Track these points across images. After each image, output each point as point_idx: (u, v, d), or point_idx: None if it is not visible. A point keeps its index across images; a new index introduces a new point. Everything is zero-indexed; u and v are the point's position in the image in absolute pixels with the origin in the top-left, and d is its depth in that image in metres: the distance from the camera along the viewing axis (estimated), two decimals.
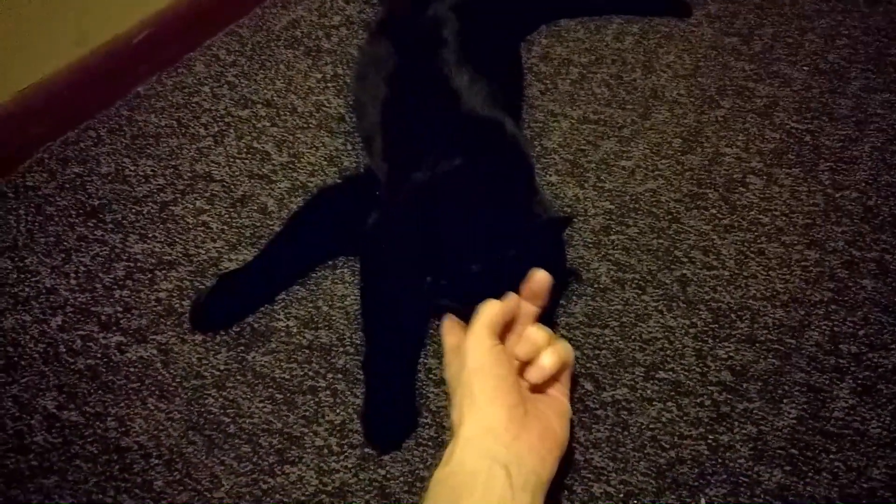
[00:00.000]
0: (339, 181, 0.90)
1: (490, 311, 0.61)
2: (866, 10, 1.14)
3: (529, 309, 0.65)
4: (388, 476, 0.65)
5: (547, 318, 0.68)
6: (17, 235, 0.85)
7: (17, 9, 0.87)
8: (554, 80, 1.04)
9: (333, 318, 0.77)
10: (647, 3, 1.16)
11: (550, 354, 0.60)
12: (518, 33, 1.07)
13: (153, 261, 0.83)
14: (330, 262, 0.82)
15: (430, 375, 0.73)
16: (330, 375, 0.72)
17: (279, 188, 0.90)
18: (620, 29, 1.12)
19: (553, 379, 0.61)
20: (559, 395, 0.62)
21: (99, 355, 0.74)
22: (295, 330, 0.76)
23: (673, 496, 0.64)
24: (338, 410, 0.70)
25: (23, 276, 0.81)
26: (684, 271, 0.80)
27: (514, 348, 0.61)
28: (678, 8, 1.14)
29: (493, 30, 0.96)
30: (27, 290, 0.80)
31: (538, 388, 0.60)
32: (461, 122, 0.81)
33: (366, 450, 0.67)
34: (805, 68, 1.05)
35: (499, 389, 0.56)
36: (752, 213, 0.86)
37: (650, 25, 1.13)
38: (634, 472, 0.65)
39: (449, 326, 0.66)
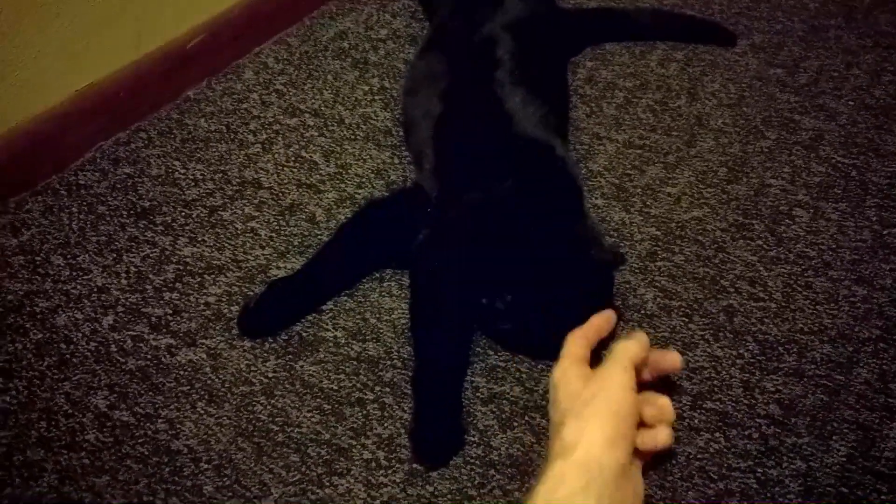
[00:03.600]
0: (387, 194, 0.91)
1: (635, 351, 0.60)
2: None
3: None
4: (436, 493, 0.66)
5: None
6: (70, 233, 0.86)
7: (78, 13, 0.89)
8: (599, 104, 1.05)
9: (381, 330, 0.78)
10: (691, 30, 1.16)
11: (669, 432, 0.59)
12: (565, 54, 1.08)
13: (202, 265, 0.84)
14: (377, 275, 0.83)
15: (478, 394, 0.73)
16: (378, 388, 0.73)
17: (327, 198, 0.91)
18: (665, 55, 1.13)
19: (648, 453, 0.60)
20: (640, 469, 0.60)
21: (149, 356, 0.75)
22: (343, 341, 0.77)
23: None
24: (386, 424, 0.70)
25: (75, 273, 0.82)
26: (731, 301, 0.81)
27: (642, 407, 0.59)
28: (723, 37, 1.15)
29: (543, 50, 0.98)
30: (79, 287, 0.81)
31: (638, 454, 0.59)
32: (514, 143, 0.82)
33: (413, 465, 0.67)
34: (850, 103, 1.05)
35: (626, 432, 0.56)
36: (799, 245, 0.86)
37: (694, 53, 1.13)
38: (682, 503, 0.65)
39: (574, 338, 0.64)
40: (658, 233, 0.88)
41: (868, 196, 0.92)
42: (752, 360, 0.75)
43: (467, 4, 1.01)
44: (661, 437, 0.58)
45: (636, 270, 0.83)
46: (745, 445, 0.68)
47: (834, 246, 0.86)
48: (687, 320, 0.79)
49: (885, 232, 0.88)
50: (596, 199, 0.91)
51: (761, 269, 0.84)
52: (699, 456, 0.68)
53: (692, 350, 0.76)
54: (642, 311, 0.79)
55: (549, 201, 0.77)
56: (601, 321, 0.65)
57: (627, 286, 0.82)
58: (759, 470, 0.67)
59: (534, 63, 0.91)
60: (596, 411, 0.55)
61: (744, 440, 0.69)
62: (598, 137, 1.00)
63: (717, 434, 0.69)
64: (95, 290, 0.81)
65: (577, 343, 0.63)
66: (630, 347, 0.61)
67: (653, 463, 0.63)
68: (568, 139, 0.95)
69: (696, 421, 0.70)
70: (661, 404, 0.59)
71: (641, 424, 0.58)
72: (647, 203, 0.91)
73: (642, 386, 0.61)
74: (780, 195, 0.92)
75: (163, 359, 0.75)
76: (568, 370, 0.60)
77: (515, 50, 0.90)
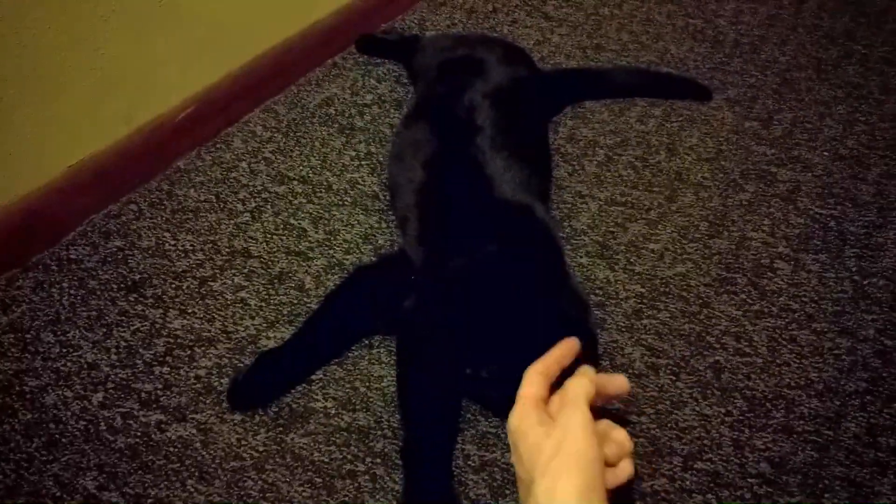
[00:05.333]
0: (374, 260, 0.92)
1: (589, 389, 0.59)
2: (881, 98, 1.18)
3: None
4: None
5: None
6: (60, 309, 0.86)
7: (72, 92, 0.91)
8: (581, 162, 1.07)
9: (371, 399, 0.78)
10: (668, 86, 1.20)
11: (631, 466, 0.58)
12: (545, 116, 1.11)
13: (192, 337, 0.84)
14: (366, 342, 0.83)
15: (469, 462, 0.73)
16: (369, 459, 0.73)
17: (316, 265, 0.92)
18: (643, 111, 1.16)
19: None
20: None
21: (139, 434, 0.75)
22: (333, 411, 0.77)
23: None
24: (377, 496, 0.70)
25: (65, 350, 0.82)
26: (717, 357, 0.81)
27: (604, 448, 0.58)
28: (698, 92, 1.19)
29: (523, 114, 1.00)
30: (69, 364, 0.81)
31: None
32: (494, 208, 0.84)
33: None
34: (825, 153, 1.08)
35: (597, 479, 0.54)
36: (782, 298, 0.87)
37: (672, 108, 1.17)
38: None
39: (533, 375, 0.62)
40: (643, 290, 0.89)
41: (846, 246, 0.94)
42: (740, 418, 0.75)
43: (450, 72, 1.04)
44: (624, 472, 0.57)
45: (622, 329, 0.84)
46: None
47: (816, 298, 0.87)
48: (675, 378, 0.79)
49: (865, 282, 0.89)
50: (580, 257, 0.93)
51: (746, 323, 0.85)
52: None
53: (681, 409, 0.76)
54: (630, 371, 0.80)
55: (531, 265, 0.78)
56: (562, 351, 0.63)
57: (615, 345, 0.83)
58: None
59: (514, 128, 0.93)
60: (563, 465, 0.54)
61: (736, 501, 0.69)
62: (581, 196, 1.02)
63: (709, 496, 0.69)
64: (85, 366, 0.81)
65: (533, 381, 0.60)
66: (583, 385, 0.59)
67: (614, 496, 0.61)
68: (550, 200, 0.96)
69: (687, 483, 0.70)
70: (620, 440, 0.58)
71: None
72: (631, 260, 0.93)
73: (594, 414, 0.59)
74: (761, 248, 0.94)
75: (153, 435, 0.75)
76: (525, 418, 0.58)
77: (495, 116, 0.92)
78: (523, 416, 0.59)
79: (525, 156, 0.91)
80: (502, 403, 0.73)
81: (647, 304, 0.87)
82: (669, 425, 0.75)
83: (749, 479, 0.70)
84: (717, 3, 1.38)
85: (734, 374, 0.79)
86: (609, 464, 0.57)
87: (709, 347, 0.82)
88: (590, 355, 0.75)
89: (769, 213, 0.99)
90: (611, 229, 0.97)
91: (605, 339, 0.82)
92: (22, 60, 0.85)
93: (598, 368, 0.77)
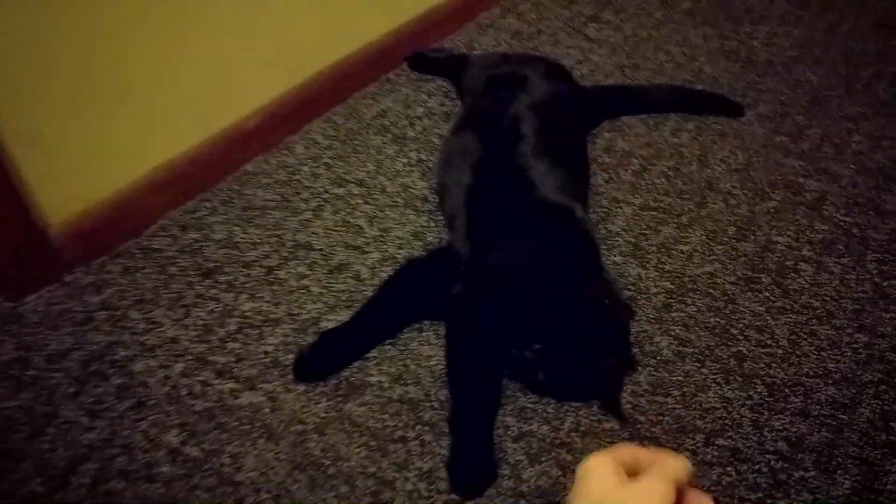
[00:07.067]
0: (424, 254, 1.01)
1: (682, 474, 0.61)
2: None
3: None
4: None
5: (614, 401, 0.77)
6: (145, 291, 0.97)
7: (158, 98, 1.03)
8: (617, 171, 1.15)
9: (420, 375, 0.86)
10: (701, 103, 1.27)
11: None
12: (585, 128, 1.19)
13: (261, 318, 0.94)
14: (417, 325, 0.92)
15: (509, 432, 0.80)
16: (418, 427, 0.81)
17: (371, 258, 1.01)
18: (677, 126, 1.23)
19: None
20: None
21: (215, 399, 0.85)
22: (386, 385, 0.85)
23: None
24: (425, 459, 0.78)
25: (149, 326, 0.93)
26: (740, 348, 0.87)
27: None
28: (731, 108, 1.25)
29: (564, 125, 1.08)
30: (153, 339, 0.91)
31: None
32: (536, 208, 0.92)
33: (451, 496, 0.74)
34: (852, 166, 1.13)
35: None
36: (804, 297, 0.93)
37: (705, 123, 1.23)
38: None
39: (622, 445, 0.65)
40: (672, 286, 0.95)
41: (869, 251, 0.99)
42: (760, 402, 0.81)
43: (496, 86, 1.13)
44: None
45: (652, 320, 0.91)
46: (755, 479, 0.74)
47: (836, 297, 0.93)
48: (700, 365, 0.86)
49: (885, 284, 0.94)
50: (614, 256, 1.00)
51: (769, 318, 0.90)
52: (712, 489, 0.74)
53: (705, 392, 0.83)
54: (658, 358, 0.87)
55: (570, 259, 0.86)
56: (646, 452, 0.67)
57: (644, 335, 0.89)
58: (768, 502, 0.72)
59: (555, 137, 1.01)
60: None
61: (754, 474, 0.75)
62: (617, 201, 1.09)
63: (728, 468, 0.75)
64: (168, 340, 0.91)
65: (624, 450, 0.64)
66: (677, 467, 0.60)
67: None
68: (587, 203, 1.04)
69: (709, 456, 0.77)
70: None
71: None
72: (662, 260, 0.99)
73: None
74: (786, 251, 1.00)
75: (227, 401, 0.84)
76: (605, 464, 0.59)
77: (538, 126, 1.01)
78: (604, 462, 0.58)
79: (565, 163, 0.99)
80: (541, 381, 0.81)
81: (676, 299, 0.94)
82: (694, 406, 0.81)
83: (767, 455, 0.76)
84: (752, 26, 1.44)
85: (756, 362, 0.85)
86: None
87: (732, 339, 0.88)
88: (622, 342, 0.82)
89: (795, 220, 1.05)
90: (643, 231, 1.04)
91: (636, 328, 0.89)
92: (121, 73, 0.97)
93: (629, 354, 0.84)
